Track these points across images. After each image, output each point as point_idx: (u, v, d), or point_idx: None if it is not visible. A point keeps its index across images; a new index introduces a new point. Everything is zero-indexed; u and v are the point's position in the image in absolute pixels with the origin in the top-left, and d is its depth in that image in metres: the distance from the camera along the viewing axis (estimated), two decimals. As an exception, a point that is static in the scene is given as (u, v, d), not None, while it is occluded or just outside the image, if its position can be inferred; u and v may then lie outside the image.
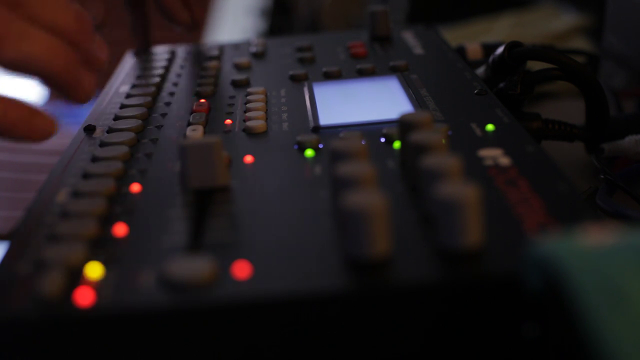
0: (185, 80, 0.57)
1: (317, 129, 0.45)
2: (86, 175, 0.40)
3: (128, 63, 0.64)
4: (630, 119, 0.56)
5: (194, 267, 0.30)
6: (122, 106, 0.51)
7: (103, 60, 0.44)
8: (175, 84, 0.56)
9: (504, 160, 0.38)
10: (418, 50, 0.60)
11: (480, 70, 0.54)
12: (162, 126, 0.48)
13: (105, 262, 0.32)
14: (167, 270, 0.30)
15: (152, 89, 0.55)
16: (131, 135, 0.45)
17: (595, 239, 0.27)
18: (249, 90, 0.53)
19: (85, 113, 0.51)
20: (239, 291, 0.29)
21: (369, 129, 0.43)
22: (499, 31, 0.87)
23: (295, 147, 0.42)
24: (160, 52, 0.66)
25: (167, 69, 0.60)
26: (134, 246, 0.33)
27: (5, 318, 0.29)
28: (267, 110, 0.49)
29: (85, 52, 0.42)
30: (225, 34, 1.73)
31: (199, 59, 0.63)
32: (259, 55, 0.63)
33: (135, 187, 0.39)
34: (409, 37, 0.63)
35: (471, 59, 0.61)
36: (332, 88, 0.52)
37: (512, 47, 0.52)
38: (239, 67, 0.59)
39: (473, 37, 0.83)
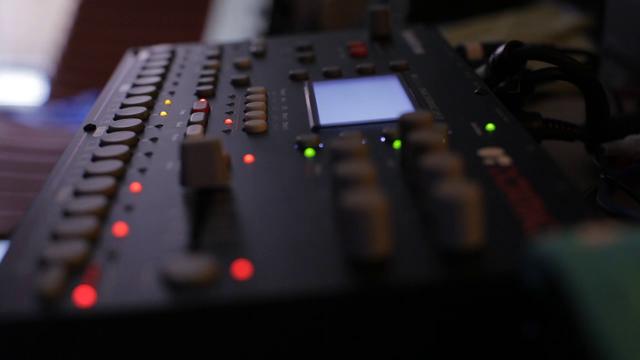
0: (185, 80, 0.57)
1: (317, 128, 0.45)
2: (86, 175, 0.40)
3: (128, 62, 0.64)
4: (631, 118, 0.56)
5: (194, 267, 0.30)
6: (123, 105, 0.51)
7: None
8: (176, 84, 0.56)
9: (504, 160, 0.38)
10: (418, 49, 0.60)
11: (481, 70, 0.54)
12: (162, 126, 0.48)
13: (106, 262, 0.32)
14: (167, 269, 0.30)
15: (153, 88, 0.55)
16: (131, 134, 0.45)
17: (595, 239, 0.27)
18: (249, 89, 0.53)
19: (85, 112, 0.51)
20: (239, 291, 0.29)
21: (369, 129, 0.43)
22: (499, 31, 0.87)
23: (296, 146, 0.42)
24: (160, 51, 0.66)
25: (167, 68, 0.60)
26: (134, 245, 0.33)
27: (5, 318, 0.29)
28: (267, 109, 0.49)
29: None
30: (225, 34, 1.73)
31: (199, 58, 0.63)
32: (259, 55, 0.63)
33: (135, 187, 0.39)
34: (409, 37, 0.63)
35: (471, 59, 0.61)
36: (332, 87, 0.52)
37: (512, 46, 0.52)
38: (239, 67, 0.59)
39: (473, 36, 0.83)
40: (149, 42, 0.71)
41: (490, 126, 0.42)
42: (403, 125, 0.38)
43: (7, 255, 0.33)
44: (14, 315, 0.29)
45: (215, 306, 0.29)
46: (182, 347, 0.29)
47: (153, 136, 0.46)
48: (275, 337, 0.29)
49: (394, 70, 0.55)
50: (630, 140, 0.51)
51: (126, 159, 0.42)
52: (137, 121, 0.48)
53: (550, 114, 0.53)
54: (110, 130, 0.47)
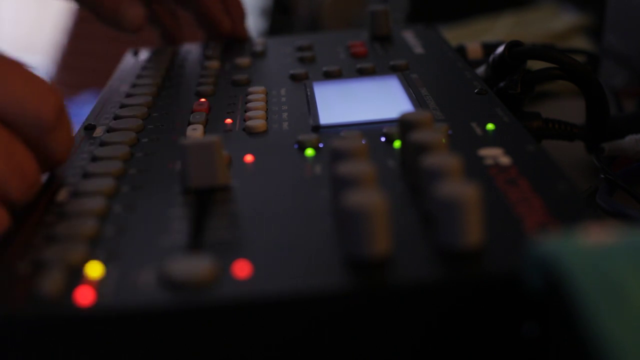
0: (186, 80, 0.57)
1: (318, 128, 0.45)
2: (86, 175, 0.40)
3: (128, 62, 0.64)
4: (631, 118, 0.56)
5: (194, 266, 0.30)
6: (122, 105, 0.51)
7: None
8: (176, 84, 0.56)
9: (505, 160, 0.38)
10: (418, 49, 0.60)
11: (481, 70, 0.54)
12: (162, 125, 0.48)
13: (106, 261, 0.32)
14: (168, 269, 0.30)
15: (153, 88, 0.55)
16: (131, 134, 0.45)
17: (595, 239, 0.27)
18: (249, 89, 0.53)
19: (85, 112, 0.51)
20: (239, 290, 0.29)
21: (369, 128, 0.43)
22: (499, 30, 0.87)
23: (296, 146, 0.42)
24: (160, 51, 0.66)
25: (167, 68, 0.60)
26: (134, 245, 0.33)
27: (5, 317, 0.29)
28: (267, 109, 0.49)
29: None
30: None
31: (199, 58, 0.63)
32: (259, 55, 0.63)
33: (136, 187, 0.39)
34: (409, 37, 0.63)
35: (471, 59, 0.61)
36: (332, 87, 0.52)
37: (512, 46, 0.52)
38: (239, 67, 0.59)
39: (473, 36, 0.83)
40: (149, 42, 0.71)
41: (490, 126, 0.42)
42: (403, 125, 0.38)
43: (7, 255, 0.33)
44: (13, 314, 0.29)
45: (215, 306, 0.29)
46: (182, 347, 0.29)
47: (153, 136, 0.46)
48: (275, 336, 0.29)
49: (394, 70, 0.55)
50: (630, 140, 0.50)
51: (126, 159, 0.42)
52: (137, 121, 0.48)
53: (551, 113, 0.53)
54: (110, 130, 0.47)
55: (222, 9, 0.67)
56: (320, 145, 0.42)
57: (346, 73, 0.55)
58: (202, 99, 0.52)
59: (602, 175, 0.47)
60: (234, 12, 0.68)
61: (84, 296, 0.30)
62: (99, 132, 0.47)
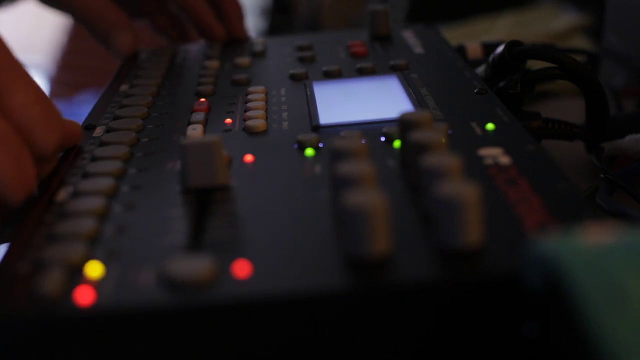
0: (186, 80, 0.57)
1: (318, 128, 0.45)
2: (86, 175, 0.40)
3: (128, 62, 0.63)
4: (631, 118, 0.56)
5: (194, 267, 0.30)
6: (122, 105, 0.51)
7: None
8: (176, 84, 0.56)
9: (505, 160, 0.38)
10: (418, 49, 0.60)
11: (481, 70, 0.54)
12: (162, 125, 0.48)
13: (106, 262, 0.32)
14: (168, 269, 0.30)
15: (153, 88, 0.55)
16: (131, 134, 0.45)
17: (595, 238, 0.27)
18: (249, 89, 0.53)
19: (85, 112, 0.51)
20: (239, 290, 0.29)
21: (369, 128, 0.43)
22: (499, 30, 0.87)
23: (296, 146, 0.42)
24: (161, 51, 0.66)
25: (167, 68, 0.60)
26: (134, 245, 0.33)
27: (5, 317, 0.29)
28: (267, 109, 0.49)
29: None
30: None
31: (199, 58, 0.63)
32: (259, 55, 0.63)
33: (136, 187, 0.39)
34: (409, 37, 0.63)
35: (471, 58, 0.61)
36: (332, 87, 0.52)
37: (512, 46, 0.52)
38: (239, 67, 0.59)
39: (473, 36, 0.83)
40: (149, 42, 0.71)
41: (490, 126, 0.42)
42: (403, 125, 0.38)
43: (7, 255, 0.33)
44: (14, 315, 0.29)
45: (215, 306, 0.29)
46: (182, 347, 0.29)
47: (153, 136, 0.46)
48: (275, 336, 0.29)
49: (394, 70, 0.55)
50: (630, 140, 0.50)
51: (126, 159, 0.42)
52: (137, 121, 0.48)
53: (551, 113, 0.53)
54: (110, 130, 0.47)
55: (214, 16, 0.67)
56: (320, 145, 0.42)
57: (346, 73, 0.55)
58: (202, 99, 0.52)
59: (602, 175, 0.47)
60: (231, 14, 0.68)
61: (84, 296, 0.30)
62: (99, 132, 0.47)
